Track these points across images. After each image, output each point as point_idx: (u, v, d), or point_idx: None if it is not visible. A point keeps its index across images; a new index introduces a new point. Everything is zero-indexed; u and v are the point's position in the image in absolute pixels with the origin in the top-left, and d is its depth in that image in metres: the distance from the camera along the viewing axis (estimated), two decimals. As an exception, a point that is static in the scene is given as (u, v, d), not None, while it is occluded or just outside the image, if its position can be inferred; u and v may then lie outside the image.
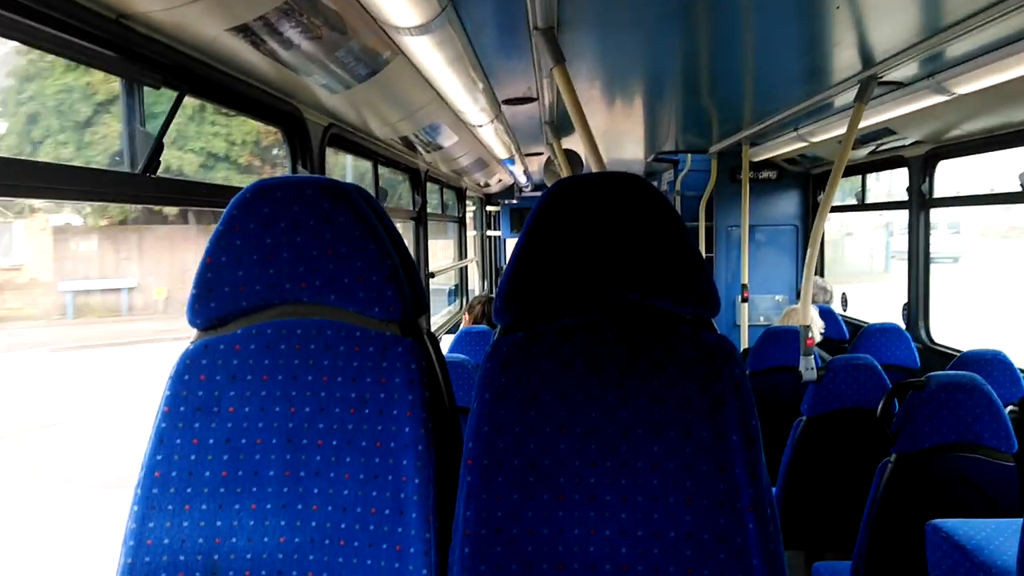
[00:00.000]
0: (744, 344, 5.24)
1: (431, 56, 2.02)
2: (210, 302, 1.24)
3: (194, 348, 1.25)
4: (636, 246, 1.21)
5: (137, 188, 1.53)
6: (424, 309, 1.32)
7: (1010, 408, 2.54)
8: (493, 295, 4.64)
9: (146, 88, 1.55)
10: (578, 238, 1.22)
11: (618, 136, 4.84)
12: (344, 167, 4.39)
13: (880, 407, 2.33)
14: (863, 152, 4.39)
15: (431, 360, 1.27)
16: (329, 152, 2.52)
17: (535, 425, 1.19)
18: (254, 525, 1.19)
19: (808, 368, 2.90)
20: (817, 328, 4.10)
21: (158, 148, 1.53)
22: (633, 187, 1.22)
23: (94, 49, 1.35)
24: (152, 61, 1.50)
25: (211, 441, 1.21)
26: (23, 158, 1.21)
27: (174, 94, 1.61)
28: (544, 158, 5.54)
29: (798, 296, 4.82)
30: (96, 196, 1.43)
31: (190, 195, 1.76)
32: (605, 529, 1.16)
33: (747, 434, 1.16)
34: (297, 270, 1.23)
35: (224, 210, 1.24)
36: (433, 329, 3.54)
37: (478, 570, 1.15)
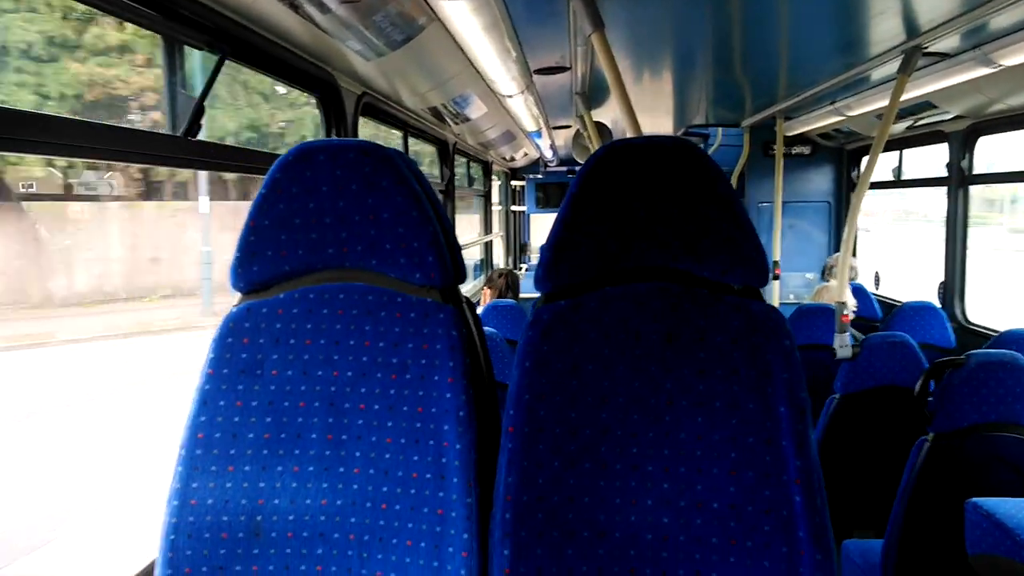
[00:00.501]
0: None
1: (467, 21, 2.00)
2: (253, 266, 1.24)
3: (237, 311, 1.25)
4: (684, 213, 1.19)
5: (178, 151, 1.53)
6: (463, 277, 1.31)
7: None
8: (513, 269, 4.63)
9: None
10: (624, 204, 1.20)
11: (648, 110, 4.77)
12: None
13: (919, 385, 2.30)
14: (901, 127, 4.29)
15: (470, 328, 1.26)
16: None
17: (576, 394, 1.19)
18: (296, 487, 1.20)
19: (843, 345, 2.86)
20: (851, 306, 4.04)
21: (199, 111, 1.53)
22: (682, 152, 1.20)
23: (136, 7, 1.35)
24: (193, 22, 1.49)
25: (254, 403, 1.22)
26: (67, 116, 1.21)
27: (213, 58, 1.61)
28: (572, 131, 5.48)
29: (823, 273, 4.76)
30: (137, 158, 1.44)
31: (230, 160, 1.76)
32: (647, 499, 1.16)
33: (796, 406, 1.14)
34: (339, 235, 1.23)
35: (264, 176, 1.24)
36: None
37: (519, 536, 1.16)
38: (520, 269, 8.32)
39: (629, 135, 2.12)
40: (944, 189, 4.11)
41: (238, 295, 1.28)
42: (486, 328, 2.65)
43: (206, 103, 1.54)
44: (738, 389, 1.16)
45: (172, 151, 1.52)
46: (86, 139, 1.28)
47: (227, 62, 1.62)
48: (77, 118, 1.23)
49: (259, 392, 1.23)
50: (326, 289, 1.24)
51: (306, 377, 1.23)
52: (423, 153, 4.40)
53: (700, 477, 1.15)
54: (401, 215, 1.21)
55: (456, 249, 1.29)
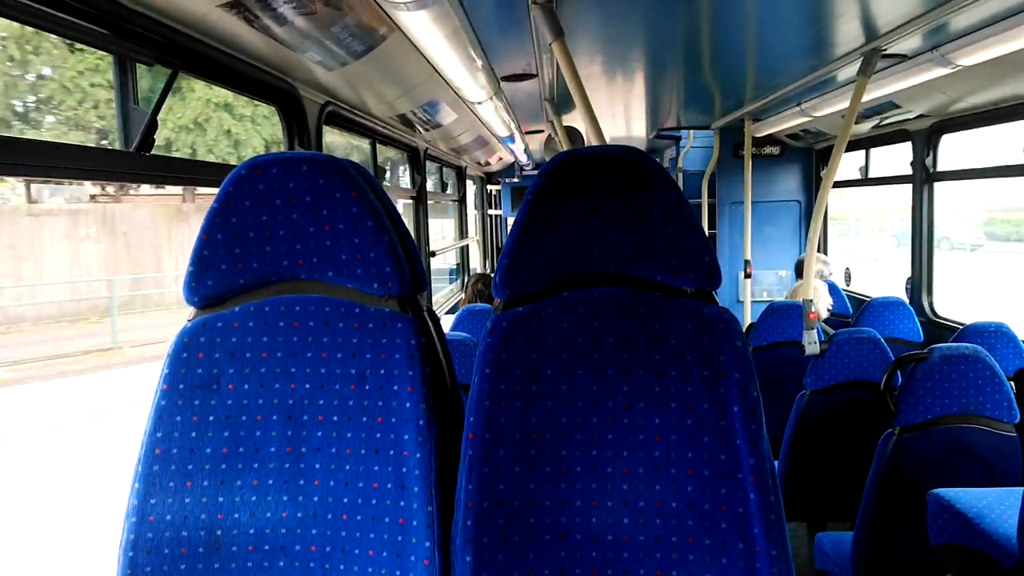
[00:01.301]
0: (747, 320, 5.24)
1: (428, 31, 1.99)
2: (207, 280, 1.23)
3: (192, 326, 1.24)
4: (636, 220, 1.20)
5: (131, 166, 1.51)
6: (423, 286, 1.31)
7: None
8: (488, 274, 4.63)
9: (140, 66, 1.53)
10: (577, 212, 1.21)
11: (619, 113, 4.80)
12: (338, 148, 4.36)
13: (883, 379, 2.33)
14: (866, 126, 4.35)
15: (431, 336, 1.26)
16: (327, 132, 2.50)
17: (536, 399, 1.19)
18: (256, 500, 1.20)
19: (811, 342, 2.90)
20: (825, 304, 4.09)
21: (152, 126, 1.52)
22: (633, 160, 1.21)
23: (85, 26, 1.33)
24: (144, 38, 1.48)
25: (211, 418, 1.21)
26: (15, 136, 1.20)
27: (166, 73, 1.60)
28: (544, 136, 5.50)
29: (796, 270, 4.81)
30: (89, 174, 1.42)
31: (184, 173, 1.74)
32: (607, 501, 1.17)
33: (748, 405, 1.16)
34: (294, 247, 1.22)
35: (218, 189, 1.23)
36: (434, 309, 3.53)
37: (480, 542, 1.16)
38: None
39: (593, 141, 2.13)
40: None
41: (192, 310, 1.27)
42: (459, 333, 2.66)
43: (158, 118, 1.53)
44: (692, 390, 1.18)
45: (125, 166, 1.50)
46: (36, 157, 1.26)
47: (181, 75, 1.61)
48: (24, 137, 1.22)
49: (216, 407, 1.22)
50: (282, 301, 1.24)
51: (263, 390, 1.22)
52: (394, 160, 4.38)
53: (658, 477, 1.17)
54: (356, 226, 1.21)
55: (415, 258, 1.29)
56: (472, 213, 7.45)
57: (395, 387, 1.20)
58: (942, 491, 1.93)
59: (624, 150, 1.22)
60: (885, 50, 2.75)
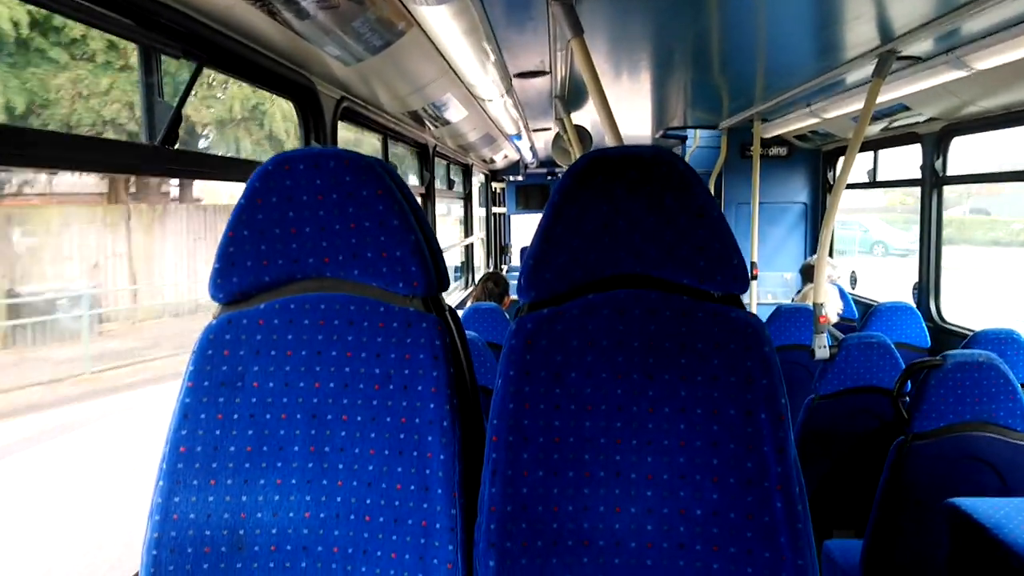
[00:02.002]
0: None
1: (447, 26, 1.99)
2: (232, 276, 1.23)
3: (217, 323, 1.24)
4: (663, 222, 1.19)
5: (156, 160, 1.51)
6: (446, 285, 1.31)
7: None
8: (498, 272, 4.63)
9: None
10: (603, 214, 1.20)
11: (626, 112, 4.79)
12: (345, 144, 4.35)
13: (896, 386, 2.33)
14: (876, 128, 4.35)
15: (454, 337, 1.26)
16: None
17: (560, 402, 1.19)
18: (279, 500, 1.19)
19: (821, 346, 2.89)
20: (835, 309, 4.09)
21: (176, 119, 1.52)
22: (659, 162, 1.20)
23: (113, 16, 1.33)
24: (170, 30, 1.48)
25: (235, 416, 1.21)
26: (44, 129, 1.20)
27: (191, 65, 1.59)
28: (552, 134, 5.49)
29: (801, 273, 4.81)
30: (115, 167, 1.42)
31: (209, 168, 1.74)
32: (631, 507, 1.16)
33: (775, 412, 1.16)
34: (320, 244, 1.22)
35: (244, 183, 1.23)
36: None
37: (503, 547, 1.16)
38: (502, 269, 8.32)
39: (608, 140, 2.13)
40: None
41: (217, 306, 1.26)
42: (467, 332, 2.66)
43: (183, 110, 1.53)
44: (719, 396, 1.17)
45: (150, 160, 1.50)
46: (64, 150, 1.26)
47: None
48: (53, 130, 1.21)
49: (240, 405, 1.21)
50: (307, 299, 1.23)
51: (288, 389, 1.22)
52: (402, 156, 4.38)
53: (683, 484, 1.16)
54: (383, 224, 1.21)
55: (439, 257, 1.28)
56: (477, 211, 7.44)
57: (419, 387, 1.20)
58: (958, 500, 1.93)
59: (652, 150, 1.21)
60: (900, 52, 2.75)
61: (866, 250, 19.03)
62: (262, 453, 1.20)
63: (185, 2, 1.47)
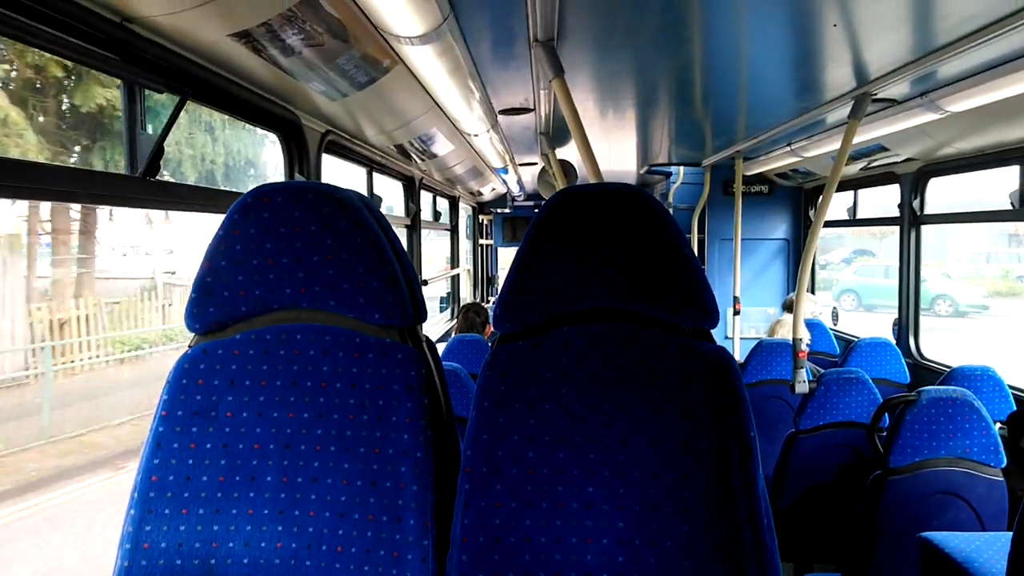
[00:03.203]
0: (736, 357, 5.26)
1: (431, 65, 2.03)
2: (209, 307, 1.23)
3: (192, 353, 1.24)
4: (635, 257, 1.22)
5: (137, 191, 1.52)
6: (423, 317, 1.32)
7: (999, 426, 2.57)
8: (480, 303, 4.64)
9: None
10: (577, 249, 1.23)
11: (611, 149, 4.86)
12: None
13: (871, 421, 2.35)
14: (855, 168, 4.43)
15: (430, 368, 1.27)
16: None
17: (534, 434, 1.20)
18: (251, 530, 1.19)
19: (801, 381, 2.91)
20: (804, 339, 4.12)
21: (159, 152, 1.53)
22: (632, 198, 1.23)
23: (97, 51, 1.35)
24: (154, 65, 1.50)
25: (209, 446, 1.21)
26: (23, 159, 1.21)
27: (173, 99, 1.61)
28: (538, 168, 5.55)
29: (784, 308, 4.85)
30: (96, 199, 1.43)
31: (189, 200, 1.75)
32: (603, 538, 1.16)
33: (744, 445, 1.17)
34: (297, 275, 1.23)
35: (224, 215, 1.24)
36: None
37: None
38: (488, 302, 8.33)
39: (589, 176, 2.16)
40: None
41: (193, 336, 1.27)
42: (450, 363, 2.66)
43: (165, 144, 1.54)
44: (689, 428, 1.18)
45: (131, 191, 1.51)
46: (43, 180, 1.27)
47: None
48: (34, 160, 1.22)
49: (213, 434, 1.21)
50: (283, 330, 1.24)
51: (262, 419, 1.22)
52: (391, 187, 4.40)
53: (654, 516, 1.16)
54: (360, 256, 1.22)
55: (416, 289, 1.30)
56: (464, 243, 7.47)
57: (393, 418, 1.20)
58: (932, 535, 1.94)
59: (624, 187, 1.24)
60: (876, 95, 2.81)
61: (927, 306, 14.15)
62: (235, 483, 1.20)
63: (170, 38, 1.49)
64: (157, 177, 1.56)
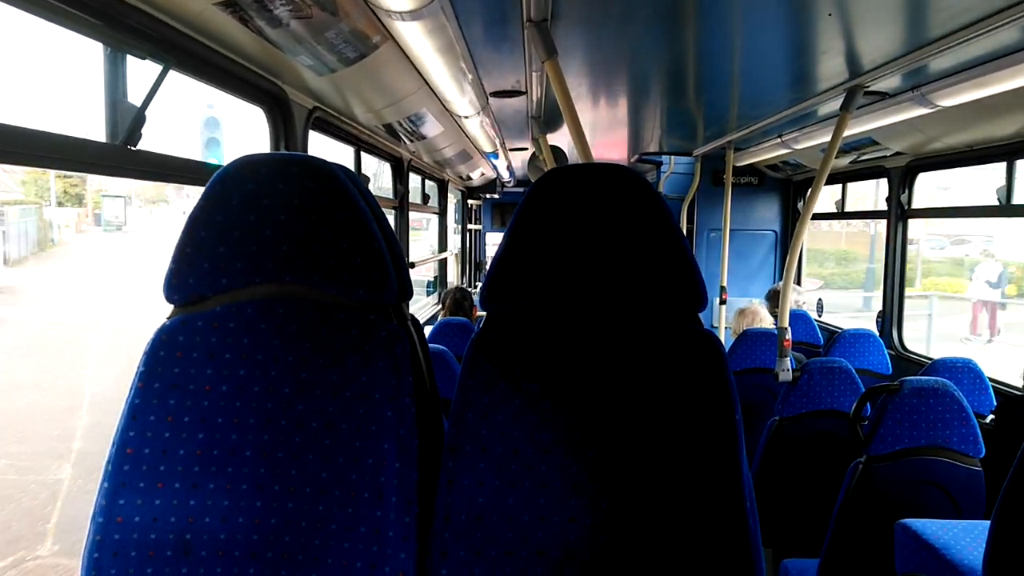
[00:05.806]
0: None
1: (421, 43, 2.00)
2: (188, 278, 1.21)
3: (171, 324, 1.22)
4: (622, 237, 1.21)
5: (117, 160, 1.49)
6: (408, 294, 1.31)
7: (991, 418, 2.61)
8: (466, 287, 4.63)
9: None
10: (564, 229, 1.22)
11: (602, 136, 4.85)
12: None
13: (853, 409, 2.37)
14: (845, 161, 4.44)
15: (415, 345, 1.25)
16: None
17: (519, 413, 1.19)
18: (228, 505, 1.17)
19: (784, 369, 2.93)
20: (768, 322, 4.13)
21: (140, 120, 1.50)
22: (619, 177, 1.22)
23: (79, 15, 1.31)
24: (137, 31, 1.47)
25: (186, 419, 1.18)
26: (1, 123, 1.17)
27: (157, 68, 1.58)
28: (528, 154, 5.53)
29: (768, 299, 4.88)
30: (74, 165, 1.39)
31: (172, 170, 1.72)
32: (586, 518, 1.16)
33: (730, 429, 1.16)
34: (280, 249, 1.21)
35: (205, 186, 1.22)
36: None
37: (457, 556, 1.15)
38: (475, 287, 8.33)
39: (580, 161, 2.15)
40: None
41: (170, 307, 1.24)
42: (437, 345, 2.65)
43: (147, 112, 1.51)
44: (675, 410, 1.17)
45: (111, 160, 1.48)
46: (21, 145, 1.23)
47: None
48: (12, 124, 1.19)
49: (191, 407, 1.19)
50: (265, 303, 1.22)
51: (241, 393, 1.20)
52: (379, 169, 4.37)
53: (638, 497, 1.16)
54: (345, 231, 1.20)
55: (402, 267, 1.28)
56: (452, 227, 7.45)
57: (376, 395, 1.19)
58: (909, 521, 1.96)
59: (610, 166, 1.23)
60: (868, 87, 2.81)
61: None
62: (212, 457, 1.18)
63: (155, 4, 1.46)
64: (139, 147, 1.52)
